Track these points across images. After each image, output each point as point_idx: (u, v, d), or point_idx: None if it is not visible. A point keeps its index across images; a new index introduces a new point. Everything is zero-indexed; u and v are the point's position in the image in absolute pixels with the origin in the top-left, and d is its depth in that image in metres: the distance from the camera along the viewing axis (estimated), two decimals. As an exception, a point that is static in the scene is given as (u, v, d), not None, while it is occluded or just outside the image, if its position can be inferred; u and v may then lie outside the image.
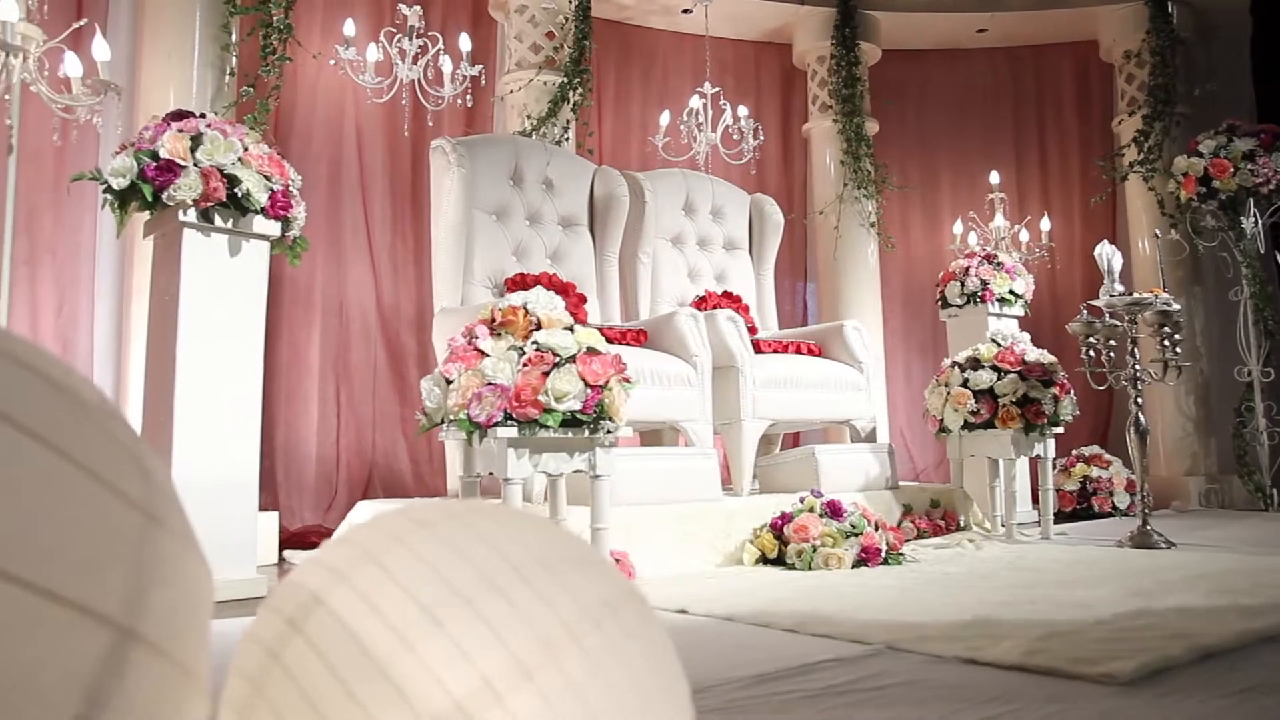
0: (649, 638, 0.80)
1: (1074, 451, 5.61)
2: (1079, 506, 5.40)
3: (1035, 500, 5.20)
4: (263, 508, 4.49)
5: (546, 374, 2.73)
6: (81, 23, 3.28)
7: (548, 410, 2.73)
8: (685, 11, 6.29)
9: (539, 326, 2.88)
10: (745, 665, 1.95)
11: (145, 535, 0.71)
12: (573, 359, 2.79)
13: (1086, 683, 1.73)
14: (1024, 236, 6.16)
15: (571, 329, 2.90)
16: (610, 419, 2.84)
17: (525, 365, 2.75)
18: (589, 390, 2.76)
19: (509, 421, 2.73)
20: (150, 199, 2.91)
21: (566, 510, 3.15)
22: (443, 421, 2.88)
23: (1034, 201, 6.77)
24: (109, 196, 2.92)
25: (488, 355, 2.80)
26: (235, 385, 3.09)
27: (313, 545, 4.18)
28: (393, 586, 0.74)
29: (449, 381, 2.82)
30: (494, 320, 2.90)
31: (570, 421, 2.77)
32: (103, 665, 0.65)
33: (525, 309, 2.91)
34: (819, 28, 6.34)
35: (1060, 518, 5.32)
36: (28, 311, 3.88)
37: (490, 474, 2.88)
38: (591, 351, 2.83)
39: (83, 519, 0.67)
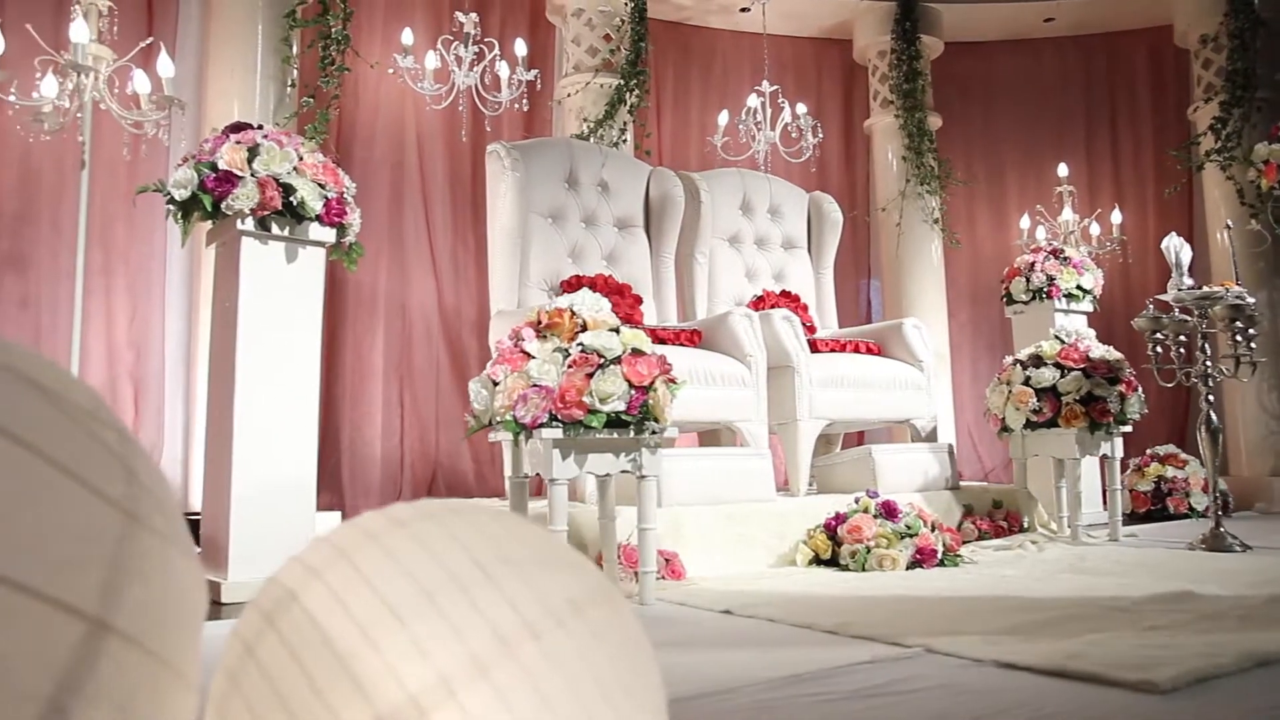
0: (619, 638, 0.81)
1: (1149, 450, 5.43)
2: (1154, 508, 5.22)
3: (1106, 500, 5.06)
4: (328, 508, 4.64)
5: (590, 375, 2.75)
6: (148, 41, 3.42)
7: (592, 411, 2.74)
8: (743, 10, 6.27)
9: (585, 328, 2.90)
10: (781, 666, 1.95)
11: (125, 534, 0.74)
12: (618, 360, 2.80)
13: (1124, 690, 1.68)
14: (1095, 230, 5.99)
15: (617, 330, 2.91)
16: (656, 420, 2.85)
17: (570, 367, 2.77)
18: (633, 391, 2.77)
19: (554, 423, 2.75)
20: (210, 209, 3.02)
21: (616, 510, 3.16)
22: (491, 423, 2.92)
23: (1105, 194, 6.57)
24: (171, 207, 3.04)
25: (533, 357, 2.83)
26: (293, 387, 3.18)
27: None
28: (361, 584, 0.76)
29: (495, 383, 2.86)
30: (540, 323, 2.93)
31: (615, 422, 2.78)
32: (76, 655, 0.68)
33: (571, 311, 2.93)
34: (879, 22, 6.26)
35: (1134, 519, 5.16)
36: (103, 318, 4.05)
37: (537, 474, 2.91)
38: (637, 352, 2.84)
39: (61, 518, 0.70)
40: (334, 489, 4.98)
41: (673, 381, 2.92)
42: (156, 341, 4.21)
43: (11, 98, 3.24)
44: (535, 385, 2.77)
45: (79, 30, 3.16)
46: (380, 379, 5.20)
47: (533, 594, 0.77)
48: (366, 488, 5.09)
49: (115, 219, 4.12)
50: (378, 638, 0.73)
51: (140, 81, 3.46)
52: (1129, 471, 5.40)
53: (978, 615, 2.43)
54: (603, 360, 2.78)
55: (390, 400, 5.23)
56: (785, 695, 1.73)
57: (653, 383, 2.82)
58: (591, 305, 2.96)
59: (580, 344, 2.82)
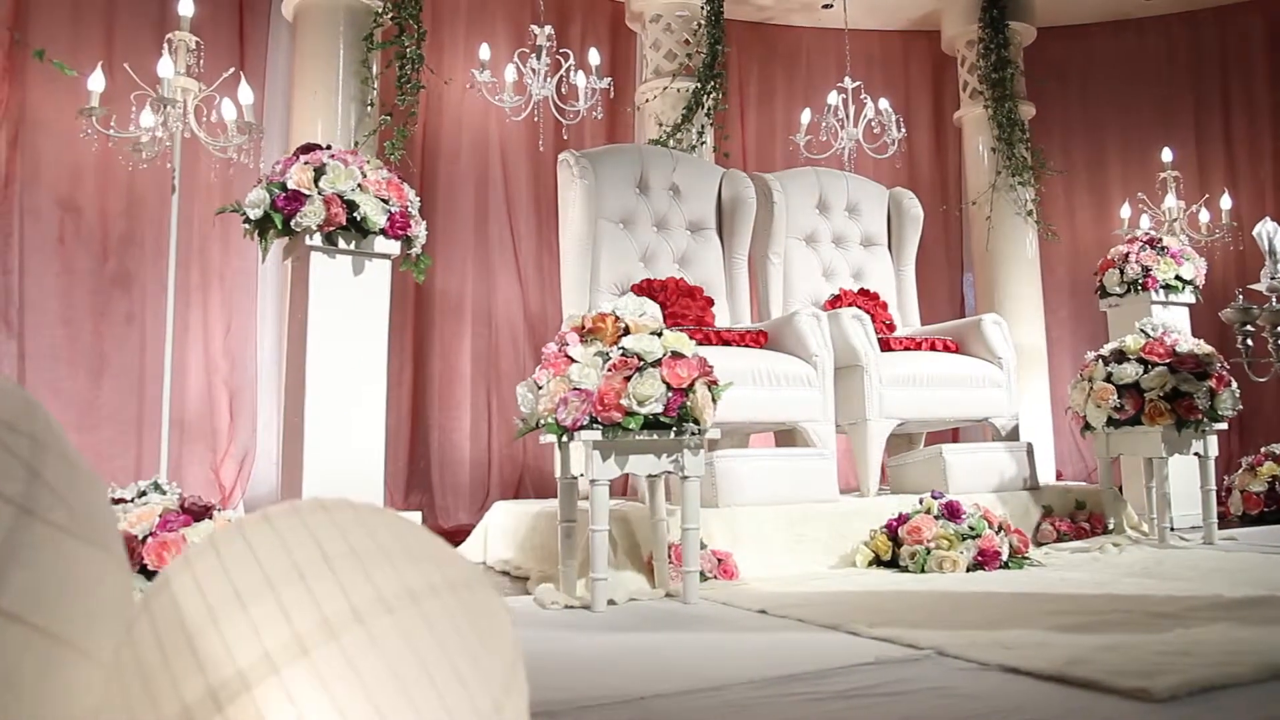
0: (460, 627, 0.87)
1: (1263, 449, 5.12)
2: (1267, 509, 4.92)
3: (1219, 501, 4.83)
4: (417, 508, 4.84)
5: (629, 378, 2.81)
6: (229, 72, 3.67)
7: (630, 414, 2.80)
8: (825, 6, 6.20)
9: (628, 332, 2.97)
10: (784, 666, 1.96)
11: (17, 526, 0.85)
12: (657, 363, 2.85)
13: (1121, 697, 1.63)
14: (1204, 216, 5.67)
15: (660, 334, 2.96)
16: (695, 421, 2.89)
17: (610, 370, 2.84)
18: (671, 393, 2.82)
19: (594, 425, 2.83)
20: (281, 226, 3.22)
21: (669, 510, 3.21)
22: (537, 425, 3.02)
23: (1217, 178, 6.21)
24: (247, 226, 3.26)
25: (576, 361, 2.91)
26: (360, 394, 3.35)
27: (458, 543, 4.43)
28: (219, 571, 0.85)
29: (540, 387, 2.96)
30: (584, 327, 3.01)
31: (654, 424, 2.84)
32: (-44, 631, 0.79)
33: (615, 315, 3.00)
34: (967, 11, 6.09)
35: (1247, 521, 4.89)
36: (201, 331, 4.37)
37: (581, 475, 2.99)
38: (677, 355, 2.89)
39: (-50, 511, 0.82)
40: (424, 490, 5.19)
41: (714, 383, 2.96)
42: (250, 352, 4.50)
43: (111, 131, 3.53)
44: (576, 389, 2.85)
45: (165, 66, 3.42)
46: (468, 383, 5.39)
47: (369, 582, 0.84)
48: (455, 489, 5.29)
49: (211, 239, 4.43)
50: (221, 618, 0.81)
51: (227, 109, 3.71)
52: (1241, 471, 5.11)
53: (1014, 618, 2.37)
54: (642, 363, 2.84)
55: (478, 404, 5.42)
56: (771, 693, 1.75)
57: (692, 384, 2.86)
58: (634, 309, 3.02)
59: (621, 347, 2.88)
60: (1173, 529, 4.27)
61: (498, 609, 0.95)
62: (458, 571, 0.93)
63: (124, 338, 4.17)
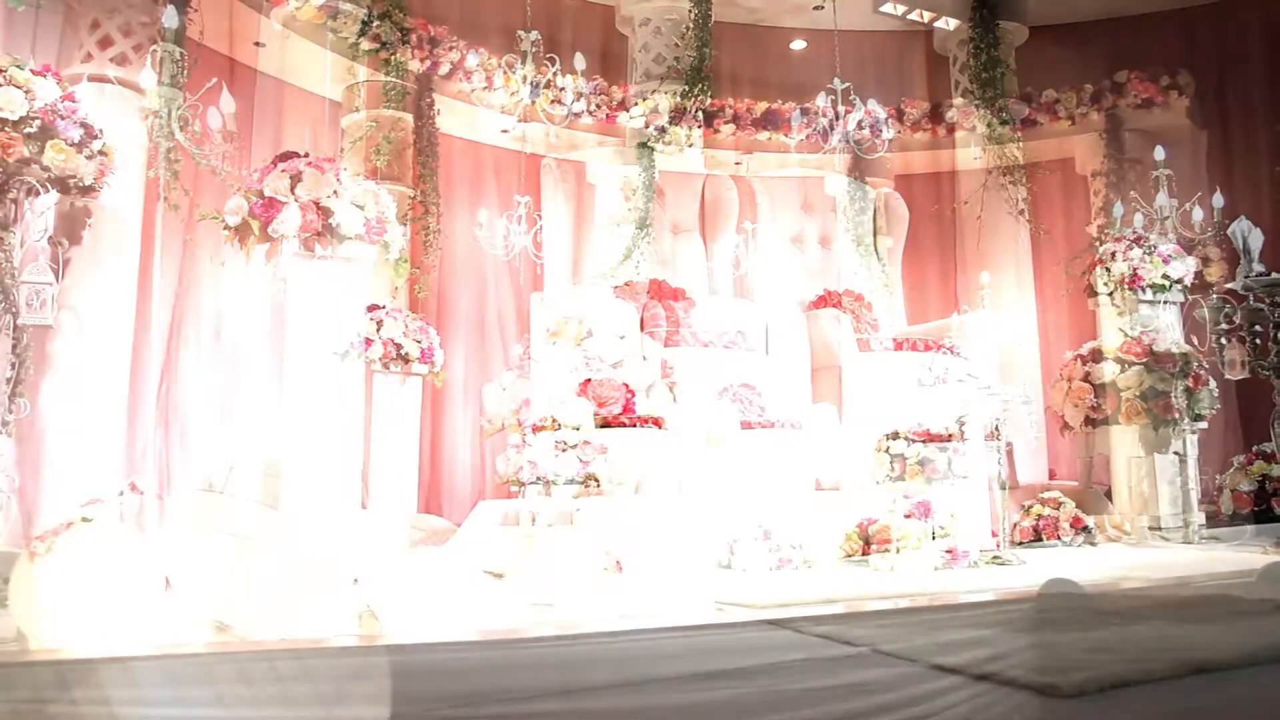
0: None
1: (1255, 448, 5.09)
2: (1257, 508, 4.88)
3: (1209, 500, 4.81)
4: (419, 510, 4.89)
5: (588, 380, 2.87)
6: (212, 82, 3.73)
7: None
8: (817, 8, 6.21)
9: (590, 335, 3.02)
10: (717, 662, 2.00)
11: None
12: (618, 365, 2.90)
13: (1031, 693, 1.66)
14: (1197, 214, 5.63)
15: (623, 337, 3.02)
16: (654, 424, 2.93)
17: (570, 372, 2.90)
18: (629, 395, 2.87)
19: (555, 425, 2.88)
20: (259, 232, 3.29)
21: (632, 507, 3.25)
22: (504, 425, 3.07)
23: (1214, 174, 6.16)
24: (226, 232, 3.33)
25: (538, 364, 2.97)
26: (336, 390, 3.41)
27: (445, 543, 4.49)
28: (80, 556, 0.91)
29: (504, 389, 3.02)
30: (548, 332, 3.07)
31: (612, 424, 2.89)
32: None
33: (579, 320, 3.05)
34: (958, 11, 6.09)
35: (1237, 520, 4.86)
36: (196, 334, 4.45)
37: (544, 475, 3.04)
38: (638, 358, 2.94)
39: None
40: (419, 489, 5.25)
41: (674, 385, 3.01)
42: (245, 354, 4.57)
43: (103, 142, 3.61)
44: (540, 390, 2.91)
45: (147, 77, 3.49)
46: (462, 385, 5.44)
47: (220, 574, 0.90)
48: (450, 491, 5.35)
49: (205, 243, 4.51)
50: (73, 601, 0.87)
51: (213, 118, 3.78)
52: (1233, 470, 5.08)
53: (961, 616, 2.40)
54: (602, 365, 2.90)
55: (472, 405, 5.47)
56: (693, 689, 1.79)
57: (650, 386, 2.91)
58: (598, 313, 3.08)
59: (582, 351, 2.94)
60: (1160, 528, 4.27)
61: (347, 600, 1.00)
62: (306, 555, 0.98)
63: (120, 341, 4.26)
